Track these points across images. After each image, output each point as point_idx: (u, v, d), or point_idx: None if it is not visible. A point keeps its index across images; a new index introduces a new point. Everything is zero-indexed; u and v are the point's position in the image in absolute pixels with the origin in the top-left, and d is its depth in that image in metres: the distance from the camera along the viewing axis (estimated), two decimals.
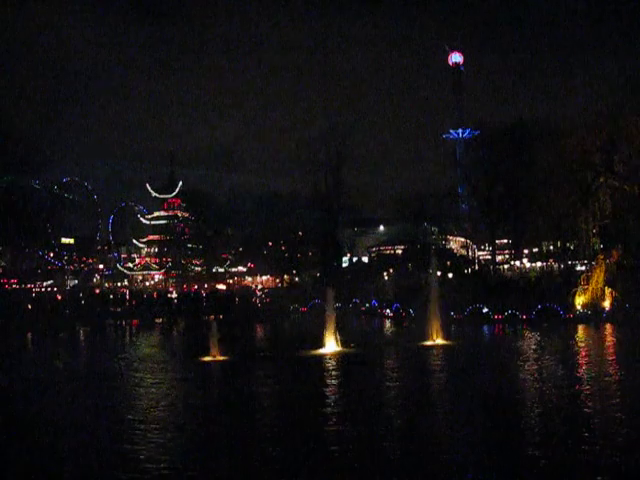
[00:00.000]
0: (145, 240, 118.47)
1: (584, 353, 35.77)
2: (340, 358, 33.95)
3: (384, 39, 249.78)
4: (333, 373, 30.16)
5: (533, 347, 38.26)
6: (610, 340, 42.67)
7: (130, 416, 21.55)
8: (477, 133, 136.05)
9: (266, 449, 17.30)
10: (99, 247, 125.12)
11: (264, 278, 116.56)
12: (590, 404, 21.33)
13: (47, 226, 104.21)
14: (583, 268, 64.34)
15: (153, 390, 26.47)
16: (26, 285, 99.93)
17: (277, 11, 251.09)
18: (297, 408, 22.44)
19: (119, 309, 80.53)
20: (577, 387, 24.33)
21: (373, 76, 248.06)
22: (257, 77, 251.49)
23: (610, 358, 33.14)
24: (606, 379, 25.83)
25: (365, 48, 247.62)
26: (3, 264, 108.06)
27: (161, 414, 21.97)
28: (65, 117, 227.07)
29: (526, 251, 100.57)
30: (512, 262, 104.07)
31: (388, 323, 61.53)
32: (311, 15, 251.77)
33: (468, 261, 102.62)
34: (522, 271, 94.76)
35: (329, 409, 22.04)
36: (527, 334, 46.10)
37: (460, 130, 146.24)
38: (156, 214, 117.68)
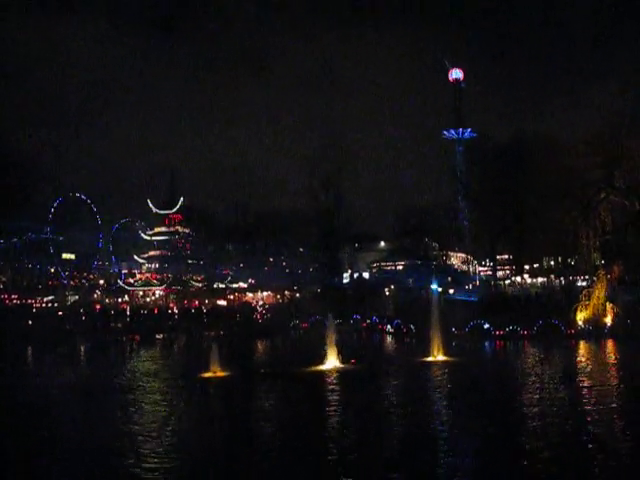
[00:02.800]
0: (146, 256, 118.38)
1: (587, 373, 34.75)
2: (341, 375, 33.81)
3: (386, 55, 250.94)
4: (334, 390, 30.02)
5: (535, 364, 38.09)
6: (613, 357, 42.48)
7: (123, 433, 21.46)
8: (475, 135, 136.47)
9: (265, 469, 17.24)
10: (100, 263, 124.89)
11: (265, 294, 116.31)
12: (596, 431, 20.17)
13: (48, 241, 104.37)
14: (584, 284, 64.21)
15: (149, 408, 26.36)
16: (27, 300, 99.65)
17: (283, 29, 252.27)
18: (297, 427, 22.33)
19: (120, 325, 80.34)
20: (581, 409, 23.88)
21: (374, 92, 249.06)
22: (259, 94, 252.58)
23: (614, 377, 32.87)
24: (612, 405, 24.65)
25: (367, 65, 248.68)
26: (4, 279, 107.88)
27: (158, 434, 21.85)
28: (68, 131, 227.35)
29: (527, 267, 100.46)
30: (513, 278, 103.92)
31: (389, 339, 61.40)
32: (316, 33, 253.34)
33: (469, 276, 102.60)
34: (523, 287, 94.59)
35: (329, 428, 21.94)
36: (528, 350, 45.95)
37: (460, 130, 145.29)
38: (157, 230, 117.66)
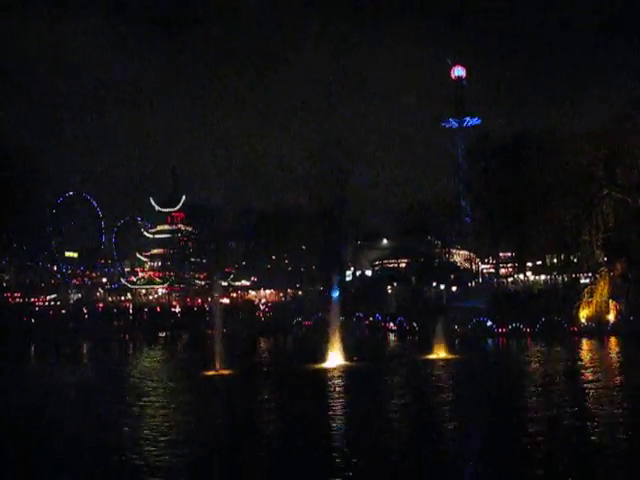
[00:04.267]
0: (148, 254, 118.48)
1: (591, 370, 34.18)
2: (344, 372, 33.78)
3: (388, 54, 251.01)
4: (336, 388, 29.98)
5: (538, 361, 38.04)
6: (616, 354, 42.40)
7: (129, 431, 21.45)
8: (477, 122, 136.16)
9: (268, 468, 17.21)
10: (102, 261, 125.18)
11: (267, 292, 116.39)
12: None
13: (51, 240, 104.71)
14: (587, 281, 64.09)
15: (151, 407, 26.33)
16: (30, 299, 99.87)
17: (286, 29, 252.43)
18: (300, 424, 22.30)
19: (122, 323, 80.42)
20: (582, 406, 23.79)
21: (377, 90, 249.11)
22: (262, 92, 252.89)
23: (617, 374, 32.75)
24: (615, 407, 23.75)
25: (368, 64, 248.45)
26: (7, 278, 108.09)
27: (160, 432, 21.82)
28: (70, 130, 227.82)
29: (530, 264, 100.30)
30: (516, 275, 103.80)
31: (392, 336, 61.36)
32: (318, 33, 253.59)
33: (472, 274, 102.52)
34: (526, 284, 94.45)
35: (332, 425, 21.91)
36: (531, 347, 45.89)
37: (460, 119, 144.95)
38: (159, 228, 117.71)
